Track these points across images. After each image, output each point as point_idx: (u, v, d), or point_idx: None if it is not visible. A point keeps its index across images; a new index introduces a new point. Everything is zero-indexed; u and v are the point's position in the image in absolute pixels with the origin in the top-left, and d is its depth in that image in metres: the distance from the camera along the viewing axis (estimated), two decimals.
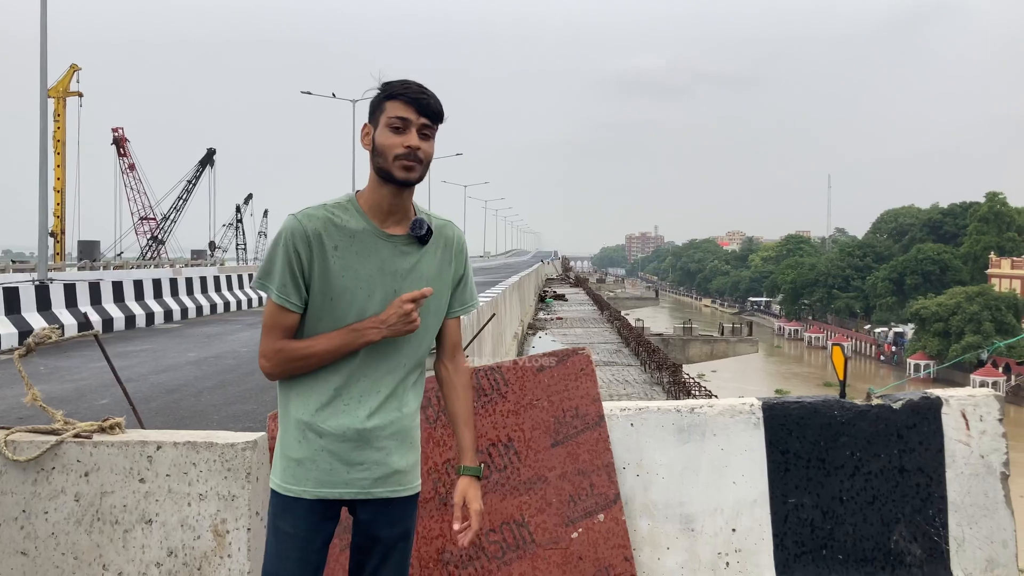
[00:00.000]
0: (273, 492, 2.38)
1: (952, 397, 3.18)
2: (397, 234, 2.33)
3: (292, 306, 2.29)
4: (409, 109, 2.27)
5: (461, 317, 2.52)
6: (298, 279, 2.28)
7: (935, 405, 3.15)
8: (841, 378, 3.21)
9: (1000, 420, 3.15)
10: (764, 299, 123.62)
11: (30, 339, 3.23)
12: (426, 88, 2.31)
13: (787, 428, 3.14)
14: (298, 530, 2.32)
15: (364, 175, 2.42)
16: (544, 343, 27.12)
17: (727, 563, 3.13)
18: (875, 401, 3.16)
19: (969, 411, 3.15)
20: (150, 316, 18.82)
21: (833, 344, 3.23)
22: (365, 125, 2.35)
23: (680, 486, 3.16)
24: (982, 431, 3.14)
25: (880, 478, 3.10)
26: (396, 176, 2.27)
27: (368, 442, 2.30)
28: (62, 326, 14.89)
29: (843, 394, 3.17)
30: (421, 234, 2.33)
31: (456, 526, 2.35)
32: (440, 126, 2.35)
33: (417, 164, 2.27)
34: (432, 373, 2.57)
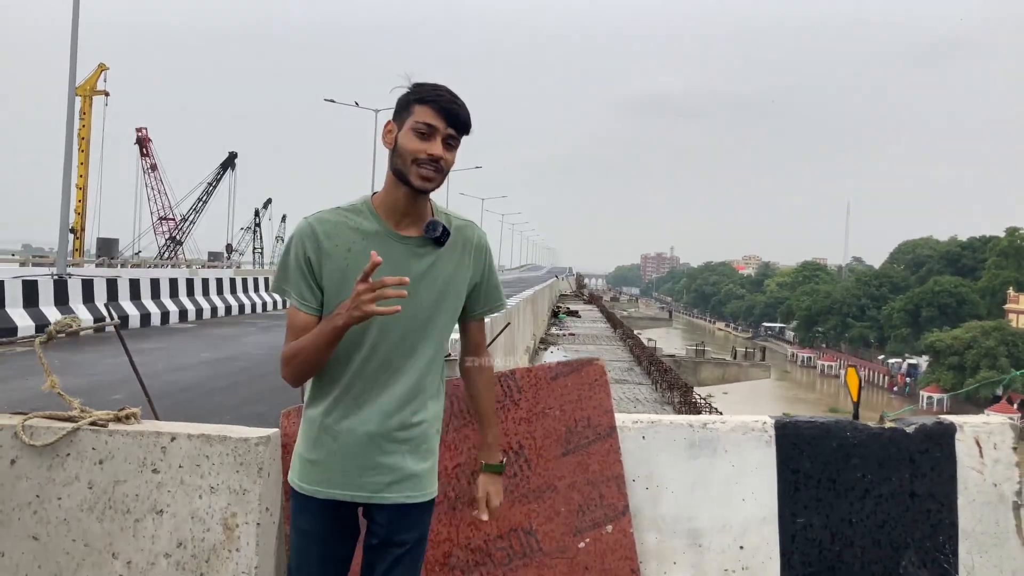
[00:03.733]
0: (292, 490, 2.40)
1: (966, 424, 3.16)
2: (412, 236, 2.31)
3: (306, 308, 2.30)
4: (438, 117, 2.22)
5: (485, 319, 2.52)
6: (310, 281, 2.29)
7: (949, 431, 3.14)
8: (855, 400, 3.20)
9: (1014, 449, 3.13)
10: (778, 325, 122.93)
11: (51, 327, 3.27)
12: (458, 97, 2.26)
13: (799, 447, 3.14)
14: (316, 528, 2.35)
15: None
16: (556, 358, 27.07)
17: None
18: (888, 424, 3.15)
19: (983, 438, 3.13)
20: (165, 315, 18.94)
21: (848, 365, 3.22)
22: (388, 122, 2.31)
23: (689, 501, 3.15)
24: (996, 459, 3.13)
25: (891, 502, 3.09)
26: (413, 182, 2.24)
27: (381, 446, 2.29)
28: None
29: (856, 416, 3.17)
30: (435, 236, 2.29)
31: (484, 517, 2.53)
32: (465, 137, 2.29)
33: (437, 174, 2.24)
34: (448, 374, 2.60)
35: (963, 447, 3.13)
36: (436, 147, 2.22)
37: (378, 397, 2.30)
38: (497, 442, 2.60)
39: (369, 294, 2.10)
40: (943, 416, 3.20)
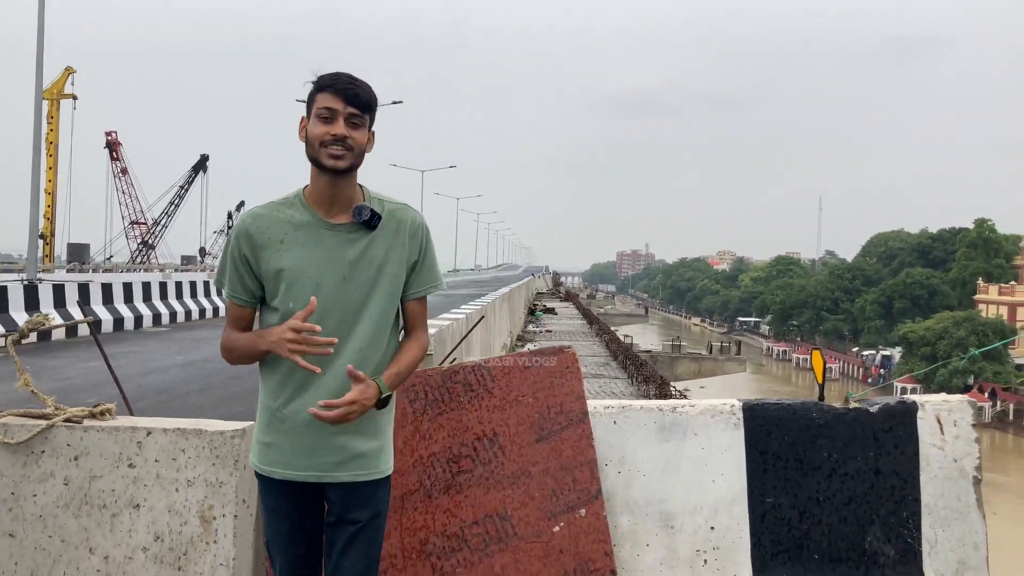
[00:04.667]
0: (254, 471, 2.53)
1: (928, 402, 3.25)
2: (343, 223, 2.41)
3: (239, 301, 2.46)
4: (337, 99, 2.34)
5: (427, 297, 2.56)
6: (244, 276, 2.43)
7: (911, 410, 3.22)
8: (820, 381, 3.28)
9: (973, 426, 3.23)
10: (753, 319, 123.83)
11: (24, 324, 3.27)
12: (356, 79, 2.39)
13: (766, 429, 3.21)
14: (279, 506, 2.47)
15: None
16: None
17: (705, 560, 3.19)
18: (853, 405, 3.23)
19: (944, 416, 3.23)
20: (139, 319, 18.76)
21: (812, 348, 3.30)
22: (302, 119, 2.43)
23: (661, 484, 3.22)
24: (956, 436, 3.22)
25: (856, 480, 3.17)
26: (324, 164, 2.35)
27: (326, 427, 2.36)
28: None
29: (822, 397, 3.24)
30: (363, 220, 2.39)
31: (323, 412, 2.29)
32: (372, 115, 2.40)
33: (346, 152, 2.34)
34: (423, 367, 2.62)
35: (925, 425, 3.21)
36: (338, 127, 2.33)
37: (321, 380, 2.37)
38: (395, 374, 2.42)
39: (295, 345, 2.28)
40: (905, 396, 3.29)
